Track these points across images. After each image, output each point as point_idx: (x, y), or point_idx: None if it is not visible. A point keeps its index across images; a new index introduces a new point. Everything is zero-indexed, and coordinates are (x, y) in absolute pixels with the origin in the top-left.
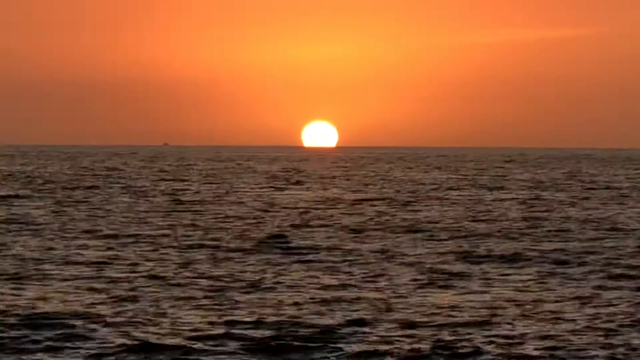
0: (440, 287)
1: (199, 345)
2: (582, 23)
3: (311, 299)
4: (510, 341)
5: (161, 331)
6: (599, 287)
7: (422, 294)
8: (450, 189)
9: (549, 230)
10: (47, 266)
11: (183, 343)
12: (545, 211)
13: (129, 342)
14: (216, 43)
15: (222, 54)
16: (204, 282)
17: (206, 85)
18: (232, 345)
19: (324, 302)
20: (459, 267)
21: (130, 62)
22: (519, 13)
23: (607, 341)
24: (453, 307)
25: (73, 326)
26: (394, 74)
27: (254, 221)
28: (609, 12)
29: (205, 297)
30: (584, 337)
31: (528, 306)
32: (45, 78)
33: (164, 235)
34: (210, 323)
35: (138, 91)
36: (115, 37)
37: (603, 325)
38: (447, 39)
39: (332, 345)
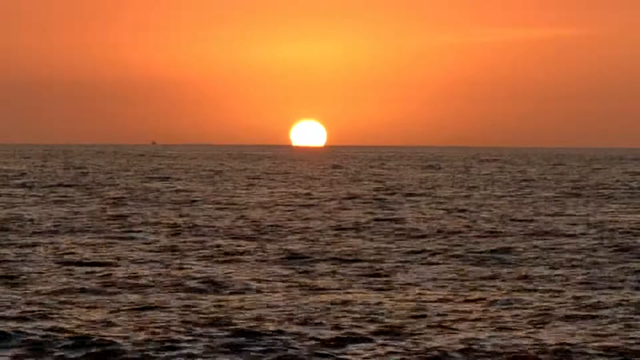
0: (424, 287)
1: (171, 344)
2: (582, 23)
3: (289, 299)
4: (499, 342)
5: (132, 331)
6: (587, 288)
7: (405, 295)
8: (435, 187)
9: (534, 228)
10: (26, 265)
11: (159, 339)
12: (531, 210)
13: (99, 340)
14: (205, 42)
15: (211, 53)
16: (182, 282)
17: (194, 85)
18: (203, 345)
19: (303, 303)
20: (446, 267)
21: (119, 61)
22: (518, 13)
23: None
24: (437, 308)
25: (42, 323)
26: (383, 73)
27: (238, 221)
28: (608, 13)
29: (180, 299)
30: (577, 337)
31: (517, 306)
32: (32, 77)
33: (147, 235)
34: (184, 323)
35: (127, 90)
36: (104, 36)
37: (591, 327)
38: (441, 38)
39: (304, 344)
